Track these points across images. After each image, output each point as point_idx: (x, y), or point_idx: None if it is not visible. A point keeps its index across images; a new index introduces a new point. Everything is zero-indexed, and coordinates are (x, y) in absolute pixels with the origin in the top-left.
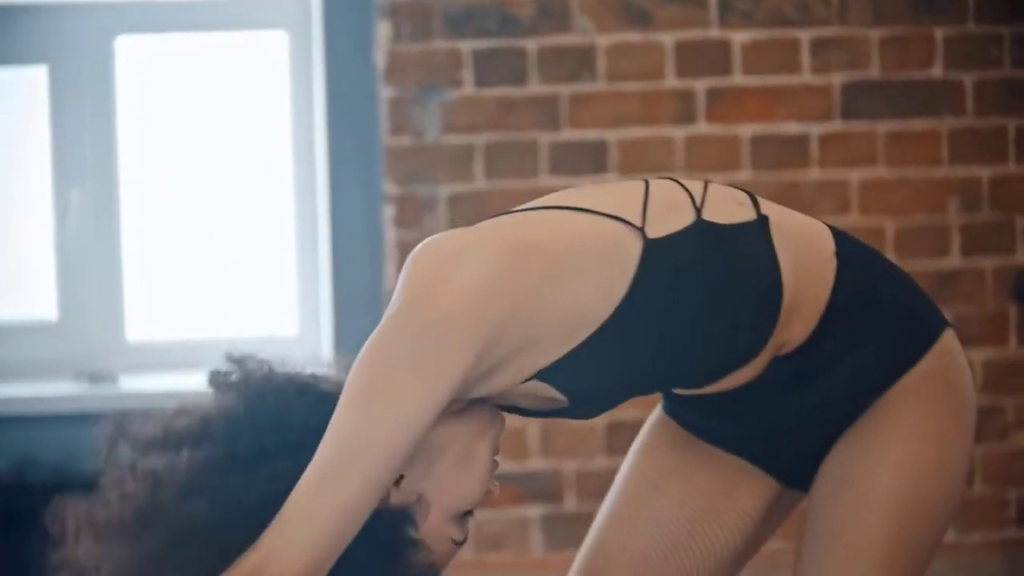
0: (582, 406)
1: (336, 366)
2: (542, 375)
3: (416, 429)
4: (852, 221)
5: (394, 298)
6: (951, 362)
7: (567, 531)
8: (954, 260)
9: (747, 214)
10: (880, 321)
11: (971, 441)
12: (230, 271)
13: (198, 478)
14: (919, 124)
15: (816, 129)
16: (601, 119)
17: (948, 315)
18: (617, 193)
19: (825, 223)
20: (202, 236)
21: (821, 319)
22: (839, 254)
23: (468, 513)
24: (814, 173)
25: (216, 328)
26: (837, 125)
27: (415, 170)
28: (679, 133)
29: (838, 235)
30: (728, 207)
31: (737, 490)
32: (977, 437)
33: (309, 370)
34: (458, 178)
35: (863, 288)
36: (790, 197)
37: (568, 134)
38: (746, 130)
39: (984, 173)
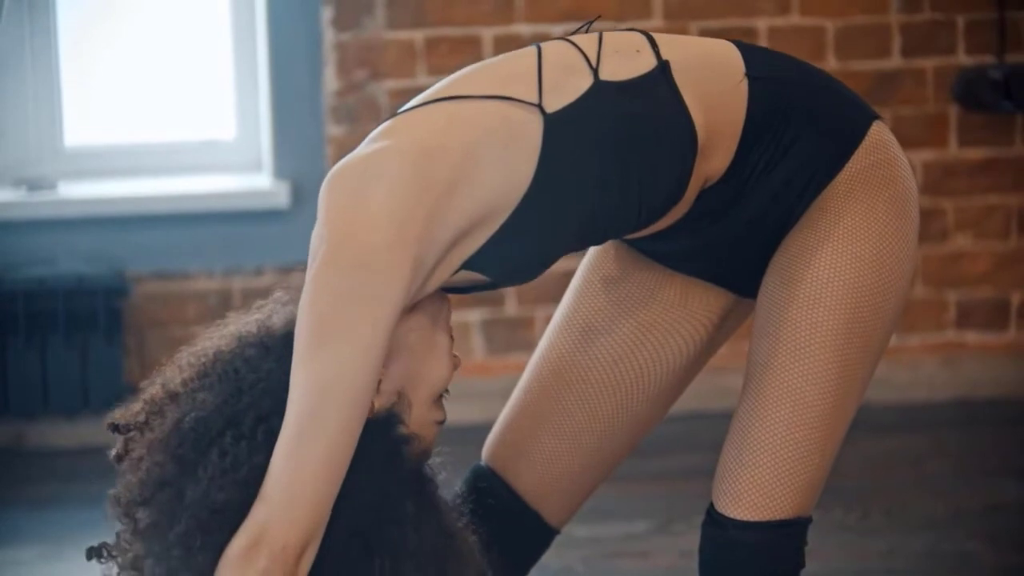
0: (509, 280)
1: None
2: (468, 264)
3: (374, 358)
4: (792, 21)
5: (317, 233)
6: (883, 157)
7: (507, 335)
8: (895, 60)
9: (646, 62)
10: (802, 129)
11: (913, 231)
12: (167, 75)
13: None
14: None
15: None
16: None
17: (888, 116)
18: (509, 68)
19: (732, 39)
20: (139, 39)
21: (740, 143)
22: (750, 73)
23: (444, 392)
24: None
25: (154, 132)
26: None
27: None
28: None
29: (747, 52)
30: (626, 59)
31: (690, 300)
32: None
33: (254, 317)
34: None
35: (779, 101)
36: None
37: None
38: None
39: None
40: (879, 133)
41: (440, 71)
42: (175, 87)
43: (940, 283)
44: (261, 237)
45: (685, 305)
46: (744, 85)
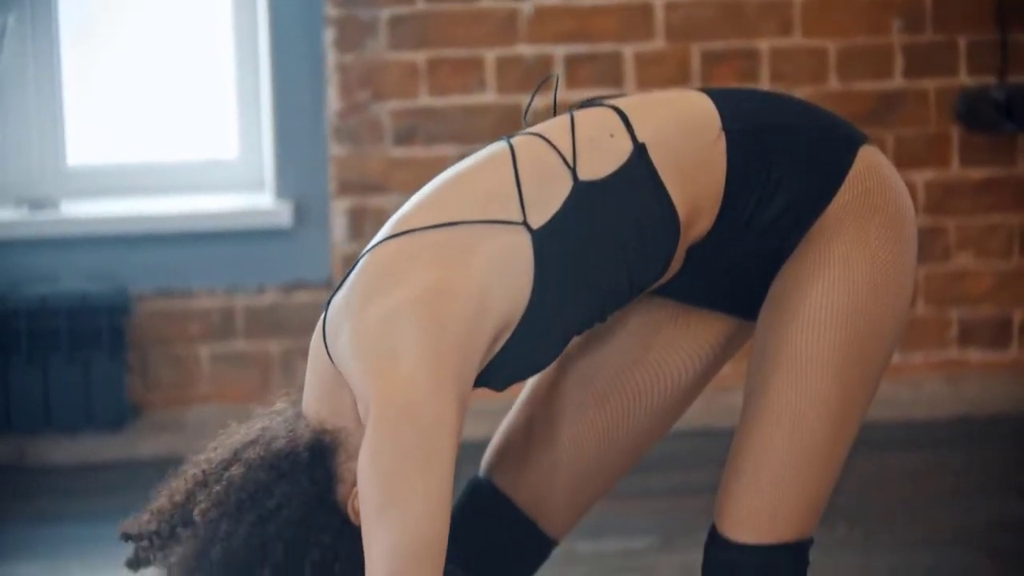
0: (509, 384)
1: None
2: (477, 381)
3: (446, 505)
4: (794, 42)
5: (360, 390)
6: (872, 183)
7: None
8: (897, 81)
9: (622, 148)
10: (785, 170)
11: (910, 252)
12: (170, 94)
13: None
14: None
15: None
16: None
17: (890, 136)
18: (487, 184)
19: (702, 88)
20: (141, 59)
21: (723, 199)
22: (726, 126)
23: None
24: None
25: (157, 152)
26: None
27: None
28: None
29: (721, 101)
30: (602, 149)
31: (693, 323)
32: (919, 258)
33: (256, 429)
34: (399, 0)
35: (759, 148)
36: (733, 19)
37: None
38: None
39: None
40: (867, 158)
41: (442, 91)
42: (178, 107)
43: (942, 301)
44: (263, 256)
45: (688, 326)
46: (722, 141)
